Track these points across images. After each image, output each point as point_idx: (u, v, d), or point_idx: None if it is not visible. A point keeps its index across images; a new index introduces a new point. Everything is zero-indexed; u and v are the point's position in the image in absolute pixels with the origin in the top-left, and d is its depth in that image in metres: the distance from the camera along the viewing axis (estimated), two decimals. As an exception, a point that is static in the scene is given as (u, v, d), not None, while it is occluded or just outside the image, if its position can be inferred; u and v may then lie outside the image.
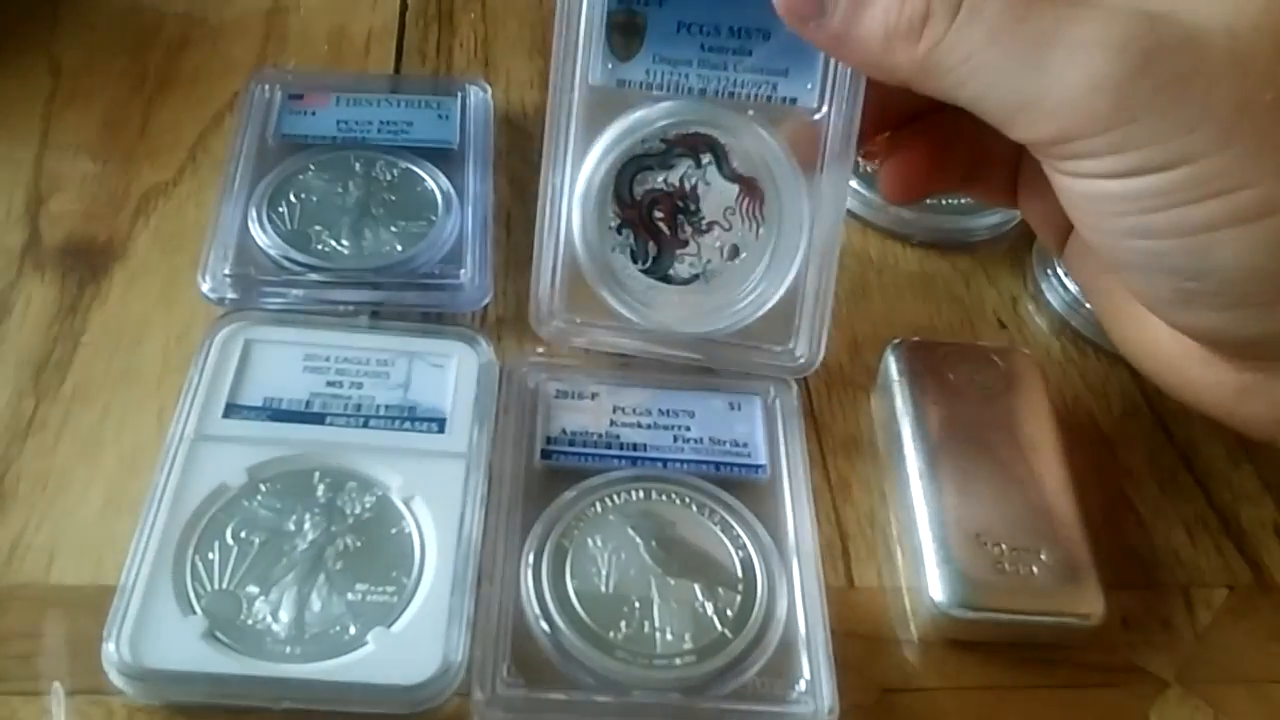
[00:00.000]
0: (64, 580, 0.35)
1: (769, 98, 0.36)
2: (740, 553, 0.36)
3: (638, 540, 0.36)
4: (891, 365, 0.41)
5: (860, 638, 0.36)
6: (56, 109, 0.50)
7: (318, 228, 0.44)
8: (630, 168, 0.37)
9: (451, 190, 0.46)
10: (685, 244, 0.37)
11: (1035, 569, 0.35)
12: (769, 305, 0.38)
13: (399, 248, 0.43)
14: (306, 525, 0.36)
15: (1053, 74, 0.29)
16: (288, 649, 0.33)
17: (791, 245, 0.37)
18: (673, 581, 0.35)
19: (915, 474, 0.38)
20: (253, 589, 0.34)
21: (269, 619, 0.33)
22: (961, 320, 0.45)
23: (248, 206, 0.44)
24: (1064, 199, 0.33)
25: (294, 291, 0.42)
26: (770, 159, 0.36)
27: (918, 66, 0.31)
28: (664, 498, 0.37)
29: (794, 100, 0.36)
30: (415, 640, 0.33)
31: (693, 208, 0.37)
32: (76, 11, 0.54)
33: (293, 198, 0.45)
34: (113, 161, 0.48)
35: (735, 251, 0.37)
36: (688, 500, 0.37)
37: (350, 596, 0.34)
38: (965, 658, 0.36)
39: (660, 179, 0.37)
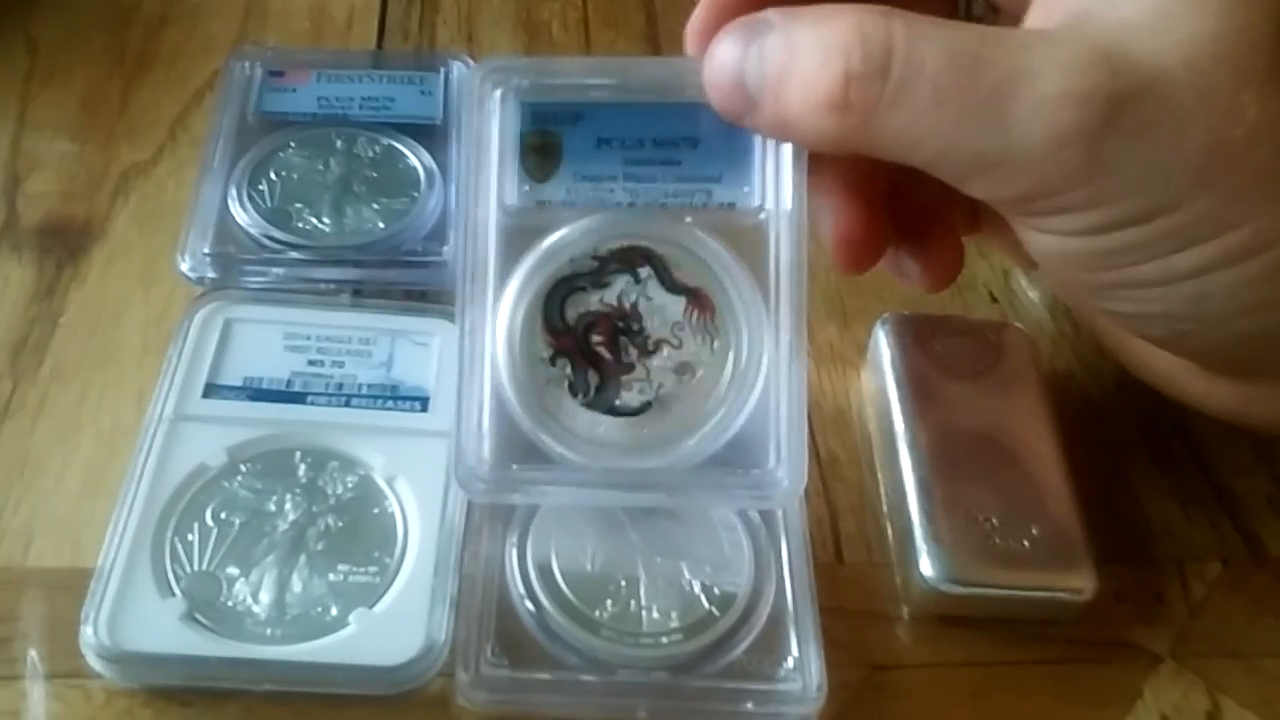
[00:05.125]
0: (42, 563, 0.35)
1: (704, 204, 0.33)
2: (727, 530, 0.35)
3: (623, 518, 0.35)
4: (881, 340, 0.40)
5: (849, 614, 0.36)
6: (34, 88, 0.49)
7: (298, 205, 0.43)
8: (559, 290, 0.33)
9: (434, 167, 0.45)
10: (631, 368, 0.33)
11: (1026, 544, 0.35)
12: (736, 426, 0.33)
13: (381, 225, 0.43)
14: (287, 506, 0.35)
15: (1015, 131, 0.27)
16: (268, 630, 0.33)
17: (753, 356, 0.32)
18: (659, 559, 0.34)
19: (905, 449, 0.37)
20: (233, 570, 0.34)
21: (249, 600, 0.33)
22: (952, 294, 0.45)
23: (228, 185, 0.43)
24: (1038, 256, 0.32)
25: (274, 270, 0.41)
26: (716, 265, 0.33)
27: (863, 135, 0.29)
28: (650, 475, 0.36)
29: (732, 205, 0.33)
30: (398, 621, 0.33)
31: (635, 327, 0.33)
32: (54, -11, 0.53)
33: (273, 175, 0.44)
34: (91, 141, 0.47)
35: (690, 370, 0.33)
36: (674, 478, 0.36)
37: (332, 577, 0.34)
38: (956, 634, 0.35)
39: (595, 299, 0.33)
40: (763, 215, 0.33)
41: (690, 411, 0.33)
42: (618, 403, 0.33)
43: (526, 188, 0.33)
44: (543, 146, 0.32)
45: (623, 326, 0.33)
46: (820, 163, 0.32)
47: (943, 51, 0.28)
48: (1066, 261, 0.31)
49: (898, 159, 0.29)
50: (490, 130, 0.33)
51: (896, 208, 0.36)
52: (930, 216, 0.37)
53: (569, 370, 0.33)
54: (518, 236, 0.33)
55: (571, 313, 0.33)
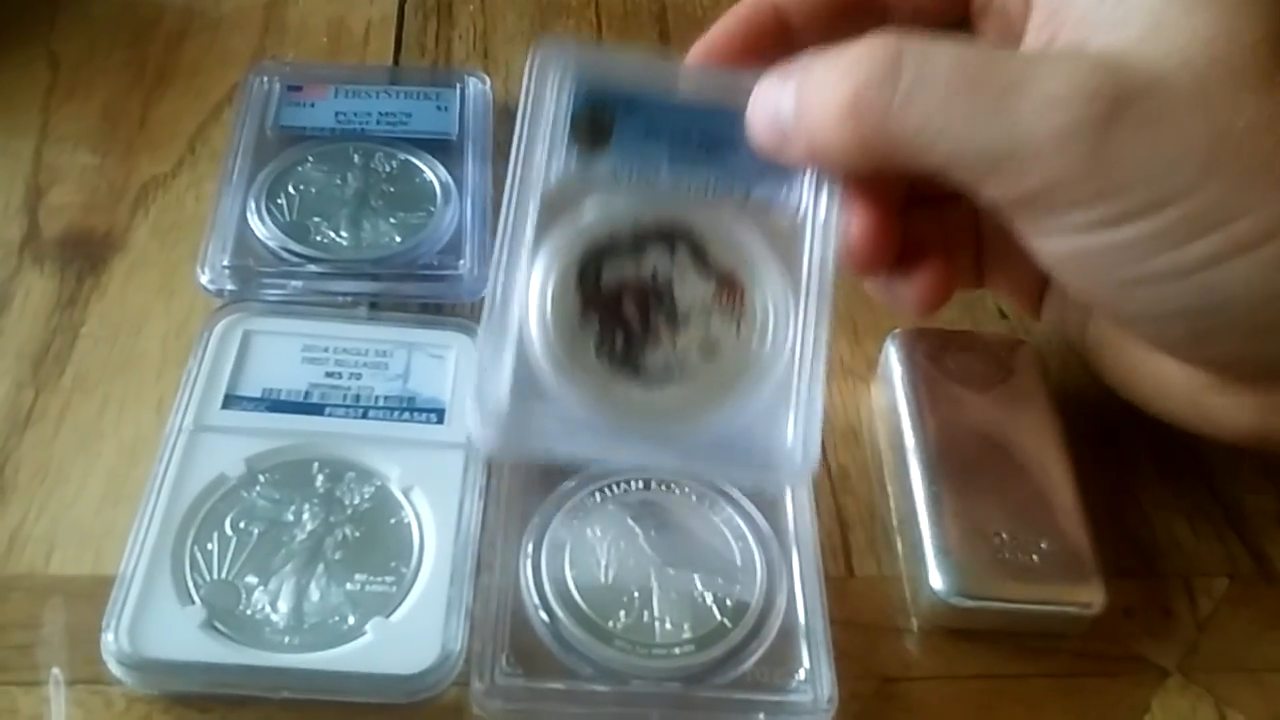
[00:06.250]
0: (63, 570, 0.35)
1: (745, 199, 0.34)
2: (739, 542, 0.36)
3: (637, 530, 0.36)
4: (892, 355, 0.41)
5: (860, 627, 0.36)
6: (55, 102, 0.49)
7: (316, 219, 0.44)
8: (596, 255, 0.33)
9: (450, 181, 0.46)
10: (658, 338, 0.33)
11: (1036, 558, 0.35)
12: (755, 404, 0.33)
13: (398, 239, 0.43)
14: (305, 516, 0.36)
15: (1024, 126, 0.29)
16: (286, 639, 0.33)
17: (778, 342, 0.33)
18: (672, 571, 0.35)
19: (915, 464, 0.38)
20: (252, 579, 0.34)
21: (268, 609, 0.33)
22: (962, 310, 0.45)
23: (246, 198, 0.44)
24: (1052, 264, 0.32)
25: (293, 283, 0.42)
26: (750, 253, 0.34)
27: (880, 141, 0.30)
28: (663, 488, 0.37)
29: (769, 204, 0.34)
30: (414, 630, 0.33)
31: (666, 300, 0.33)
32: (75, 4, 0.54)
33: (291, 189, 0.45)
34: (112, 154, 0.48)
35: (714, 348, 0.33)
36: (687, 490, 0.37)
37: (349, 586, 0.34)
38: (965, 647, 0.36)
39: (630, 268, 0.33)
40: (799, 217, 0.34)
41: (711, 387, 0.33)
42: (640, 365, 0.33)
43: (574, 163, 0.34)
44: (593, 127, 0.34)
45: (654, 299, 0.33)
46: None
47: (951, 59, 0.29)
48: (1081, 264, 0.32)
49: (914, 163, 0.30)
50: (545, 105, 0.34)
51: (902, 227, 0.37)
52: (928, 242, 0.37)
53: (597, 330, 0.33)
54: (559, 207, 0.33)
55: (606, 277, 0.33)
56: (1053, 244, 0.32)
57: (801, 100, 0.31)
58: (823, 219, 0.33)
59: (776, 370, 0.33)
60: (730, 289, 0.33)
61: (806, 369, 0.33)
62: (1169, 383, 0.35)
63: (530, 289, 0.33)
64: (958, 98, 0.29)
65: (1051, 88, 0.28)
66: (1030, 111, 0.28)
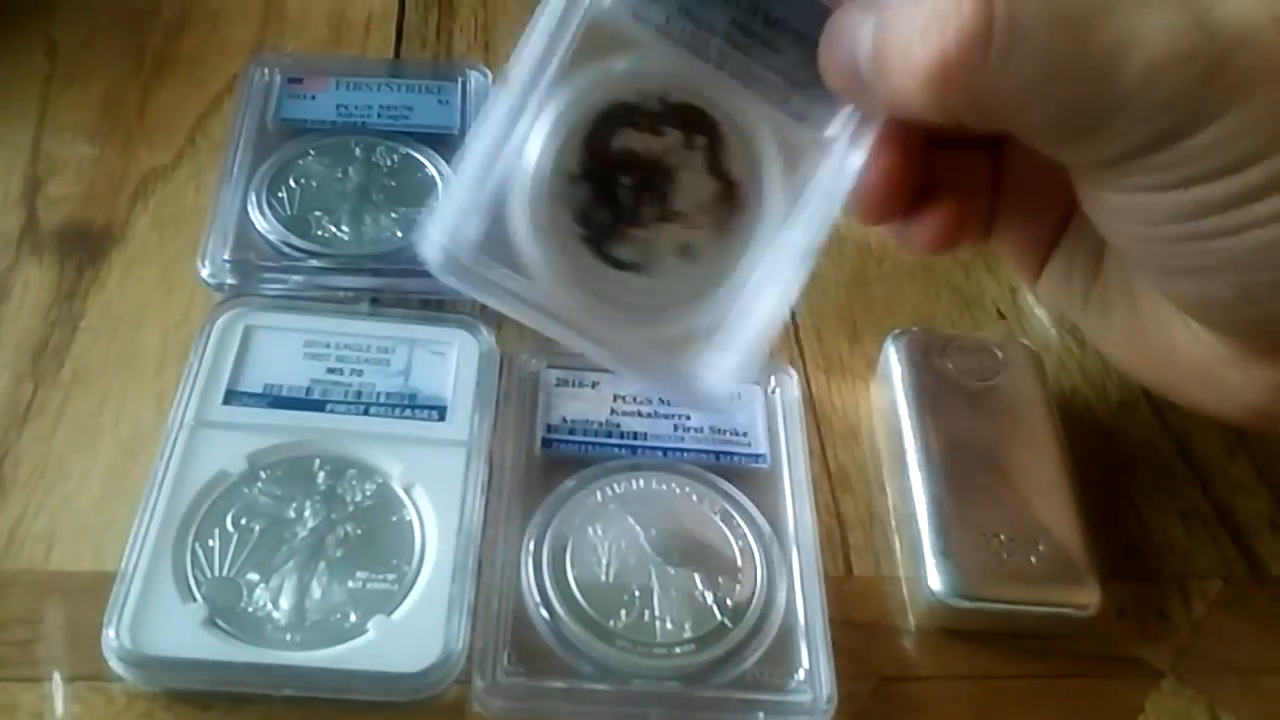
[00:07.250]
0: (63, 566, 0.35)
1: (781, 103, 0.32)
2: (740, 542, 0.36)
3: (638, 529, 0.36)
4: (891, 355, 0.41)
5: (858, 627, 0.36)
6: (54, 91, 0.49)
7: (318, 213, 0.44)
8: (616, 116, 0.31)
9: (452, 177, 0.45)
10: (639, 225, 0.31)
11: (1033, 559, 0.36)
12: (705, 316, 0.31)
13: (399, 234, 0.43)
14: (307, 513, 0.36)
15: (1121, 96, 0.28)
16: (288, 636, 0.33)
17: (750, 262, 0.32)
18: (672, 570, 0.35)
19: (914, 464, 0.38)
20: (253, 576, 0.34)
21: (269, 606, 0.33)
22: (960, 310, 0.45)
23: (247, 191, 0.44)
24: (1109, 217, 0.32)
25: (294, 277, 0.42)
26: (764, 167, 0.32)
27: (966, 105, 0.29)
28: (664, 487, 0.37)
29: (803, 119, 0.32)
30: (416, 628, 0.33)
31: (664, 190, 0.31)
32: (74, -9, 0.54)
33: (292, 183, 0.45)
34: (111, 144, 0.47)
35: (692, 256, 0.31)
36: (688, 489, 0.37)
37: (351, 584, 0.34)
38: (962, 647, 0.36)
39: (642, 144, 0.31)
40: (822, 136, 0.32)
41: (674, 289, 0.31)
42: (609, 250, 0.31)
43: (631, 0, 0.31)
44: None
45: (653, 185, 0.31)
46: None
47: (1048, 15, 0.28)
48: (1140, 218, 0.31)
49: (998, 127, 0.30)
50: None
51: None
52: (943, 183, 0.36)
53: (585, 197, 0.31)
54: (598, 38, 0.31)
55: (617, 143, 0.31)
56: (1116, 200, 0.31)
57: (882, 51, 0.29)
58: (845, 144, 0.32)
59: (739, 295, 0.31)
60: (731, 200, 0.32)
61: (775, 291, 0.31)
62: (1181, 353, 0.35)
63: (538, 128, 0.31)
64: (1057, 64, 0.28)
65: (1151, 53, 0.27)
66: (1132, 80, 0.27)
